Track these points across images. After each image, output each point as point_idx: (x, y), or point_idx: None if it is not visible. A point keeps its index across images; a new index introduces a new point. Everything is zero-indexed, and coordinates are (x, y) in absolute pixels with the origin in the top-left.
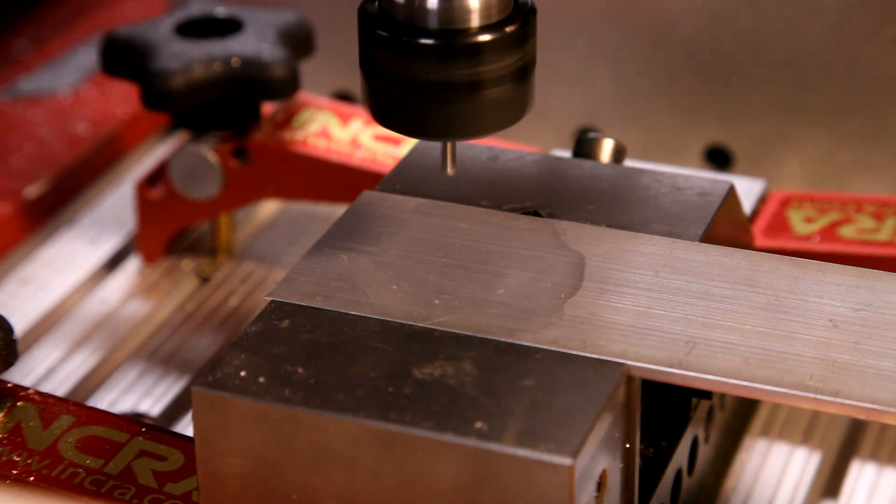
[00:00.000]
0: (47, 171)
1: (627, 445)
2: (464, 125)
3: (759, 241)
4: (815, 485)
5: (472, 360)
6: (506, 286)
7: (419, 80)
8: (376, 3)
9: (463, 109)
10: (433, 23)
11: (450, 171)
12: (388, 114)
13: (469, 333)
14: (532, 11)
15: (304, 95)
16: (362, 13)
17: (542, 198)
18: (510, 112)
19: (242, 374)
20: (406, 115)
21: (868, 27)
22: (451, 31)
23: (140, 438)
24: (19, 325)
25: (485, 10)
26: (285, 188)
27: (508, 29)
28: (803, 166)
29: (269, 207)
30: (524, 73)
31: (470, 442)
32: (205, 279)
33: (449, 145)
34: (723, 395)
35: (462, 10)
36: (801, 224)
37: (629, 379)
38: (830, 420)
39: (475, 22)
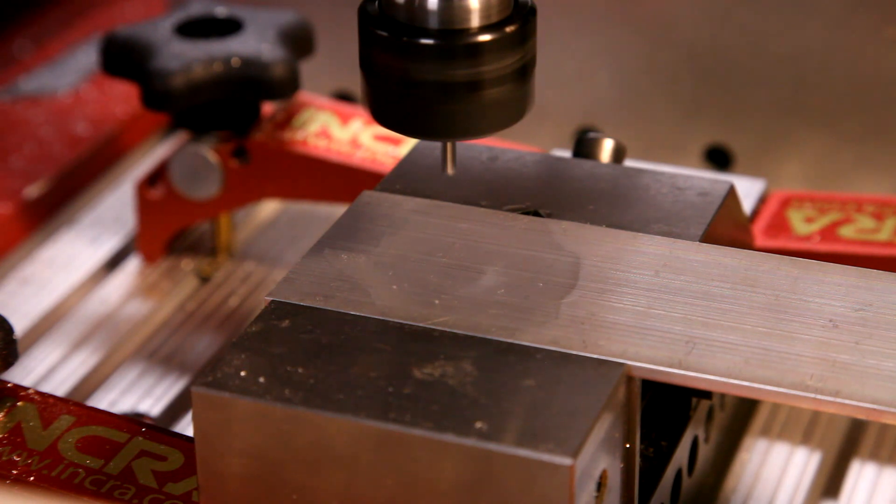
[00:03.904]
0: (47, 171)
1: (627, 445)
2: (464, 125)
3: (759, 241)
4: (815, 485)
5: (472, 360)
6: (506, 286)
7: (419, 80)
8: (376, 2)
9: (463, 109)
10: (433, 23)
11: (450, 171)
12: (388, 114)
13: (469, 333)
14: (532, 11)
15: (304, 95)
16: (362, 13)
17: (542, 198)
18: (510, 112)
19: (242, 374)
20: (406, 115)
21: (868, 27)
22: (451, 31)
23: (140, 438)
24: (19, 325)
25: (485, 10)
26: (285, 188)
27: (508, 29)
28: (803, 166)
29: (269, 207)
30: (524, 73)
31: (470, 442)
32: (205, 279)
33: (449, 145)
34: (723, 395)
35: (462, 9)
36: (801, 224)
37: (629, 379)
38: (830, 420)
39: (475, 22)
